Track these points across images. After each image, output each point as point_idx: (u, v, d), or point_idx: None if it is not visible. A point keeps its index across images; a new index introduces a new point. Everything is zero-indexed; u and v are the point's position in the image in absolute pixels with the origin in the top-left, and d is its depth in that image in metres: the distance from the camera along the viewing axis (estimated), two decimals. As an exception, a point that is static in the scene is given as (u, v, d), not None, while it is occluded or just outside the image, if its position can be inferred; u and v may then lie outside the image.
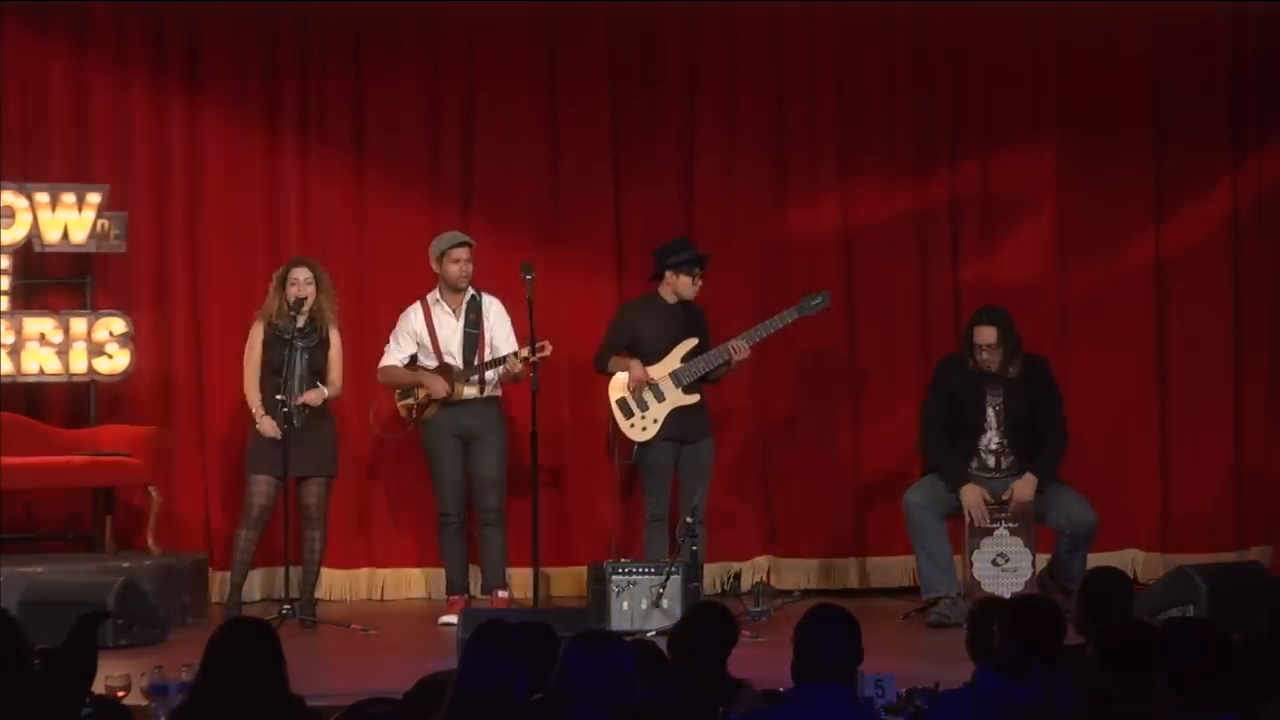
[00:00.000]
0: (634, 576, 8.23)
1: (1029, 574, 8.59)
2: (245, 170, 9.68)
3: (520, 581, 9.01)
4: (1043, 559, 8.76)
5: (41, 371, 9.21)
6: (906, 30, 10.01)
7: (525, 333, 8.65)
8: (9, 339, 9.11)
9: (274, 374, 8.55)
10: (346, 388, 8.86)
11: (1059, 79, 10.09)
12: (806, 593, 9.57)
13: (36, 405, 9.37)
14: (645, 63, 9.92)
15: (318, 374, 8.64)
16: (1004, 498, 8.60)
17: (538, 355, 8.55)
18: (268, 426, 8.55)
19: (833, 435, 9.91)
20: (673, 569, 8.20)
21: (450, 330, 8.87)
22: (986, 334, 8.67)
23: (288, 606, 8.43)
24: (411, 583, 9.73)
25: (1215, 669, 4.30)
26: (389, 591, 9.73)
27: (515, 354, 8.66)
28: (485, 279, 9.02)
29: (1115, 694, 4.51)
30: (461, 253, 8.83)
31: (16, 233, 9.18)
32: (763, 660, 6.03)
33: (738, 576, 9.73)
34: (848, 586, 9.81)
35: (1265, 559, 9.61)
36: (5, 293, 9.18)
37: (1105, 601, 5.51)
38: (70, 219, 9.20)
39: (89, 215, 9.21)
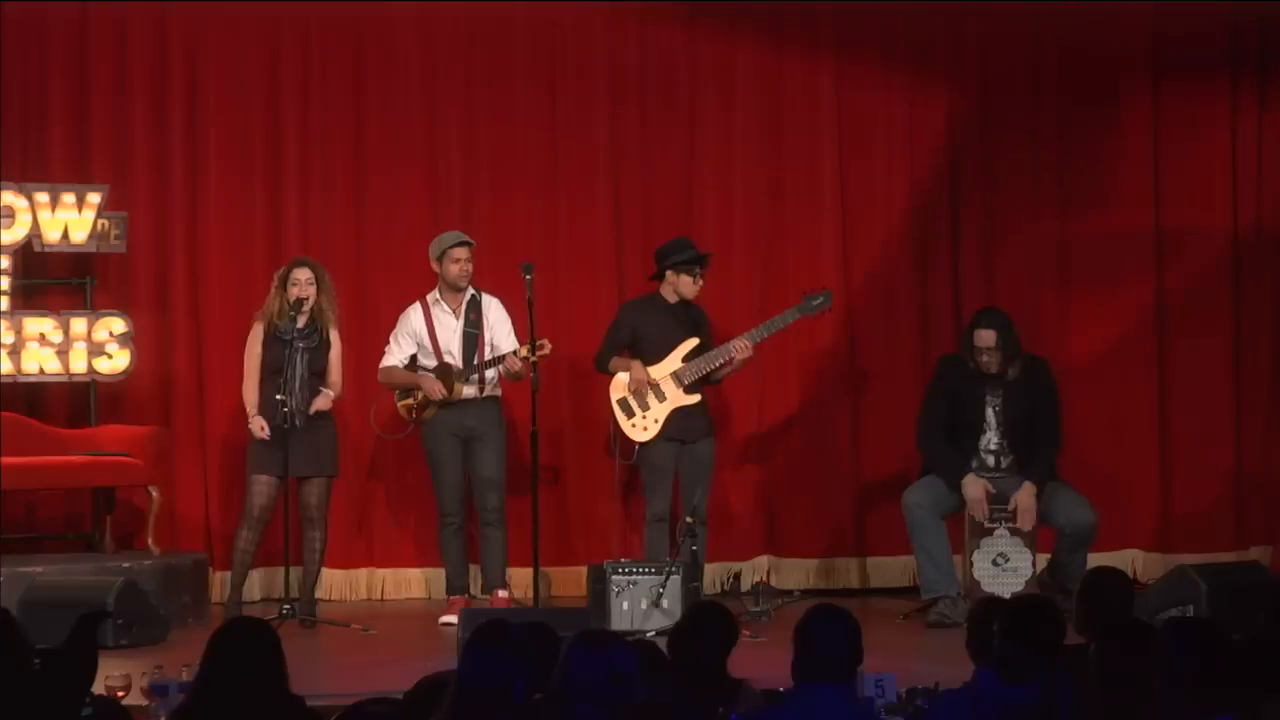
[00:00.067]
0: (634, 576, 8.23)
1: (1029, 574, 8.59)
2: (245, 170, 9.68)
3: (520, 581, 9.01)
4: (1043, 559, 8.77)
5: (41, 371, 9.21)
6: (906, 30, 10.01)
7: (525, 332, 8.65)
8: (9, 339, 9.12)
9: (274, 374, 8.55)
10: (346, 388, 8.86)
11: (1059, 78, 10.09)
12: (806, 593, 9.56)
13: (36, 405, 9.37)
14: (645, 62, 9.92)
15: (318, 375, 8.64)
16: (1008, 509, 8.60)
17: (538, 354, 8.55)
18: (255, 427, 8.56)
19: (833, 435, 9.91)
20: (673, 569, 8.20)
21: (450, 330, 8.87)
22: (986, 337, 8.68)
23: (288, 606, 8.43)
24: (411, 583, 9.73)
25: (1215, 669, 4.30)
26: (389, 591, 9.73)
27: (515, 352, 8.66)
28: (485, 279, 9.02)
29: (1115, 694, 4.51)
30: (461, 252, 8.83)
31: (16, 233, 9.18)
32: (763, 660, 6.02)
33: (738, 576, 9.72)
34: (848, 586, 9.81)
35: (1265, 559, 9.61)
36: (5, 293, 9.18)
37: (1105, 601, 5.51)
38: (70, 219, 9.20)
39: (89, 215, 9.21)
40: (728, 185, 9.92)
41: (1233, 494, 10.07)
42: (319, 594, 8.98)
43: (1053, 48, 10.10)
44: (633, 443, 8.86)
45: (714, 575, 9.57)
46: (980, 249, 10.02)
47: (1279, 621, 5.36)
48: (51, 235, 9.21)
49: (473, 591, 9.11)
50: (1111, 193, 10.08)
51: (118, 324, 9.26)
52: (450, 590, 9.00)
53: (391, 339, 8.96)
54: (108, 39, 9.59)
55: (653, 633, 7.65)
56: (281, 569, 8.62)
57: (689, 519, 8.41)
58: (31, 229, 9.18)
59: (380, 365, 8.98)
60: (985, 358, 8.68)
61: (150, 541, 9.01)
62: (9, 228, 9.16)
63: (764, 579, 9.40)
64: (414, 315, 8.91)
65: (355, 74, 9.76)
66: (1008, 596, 7.99)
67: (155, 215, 9.58)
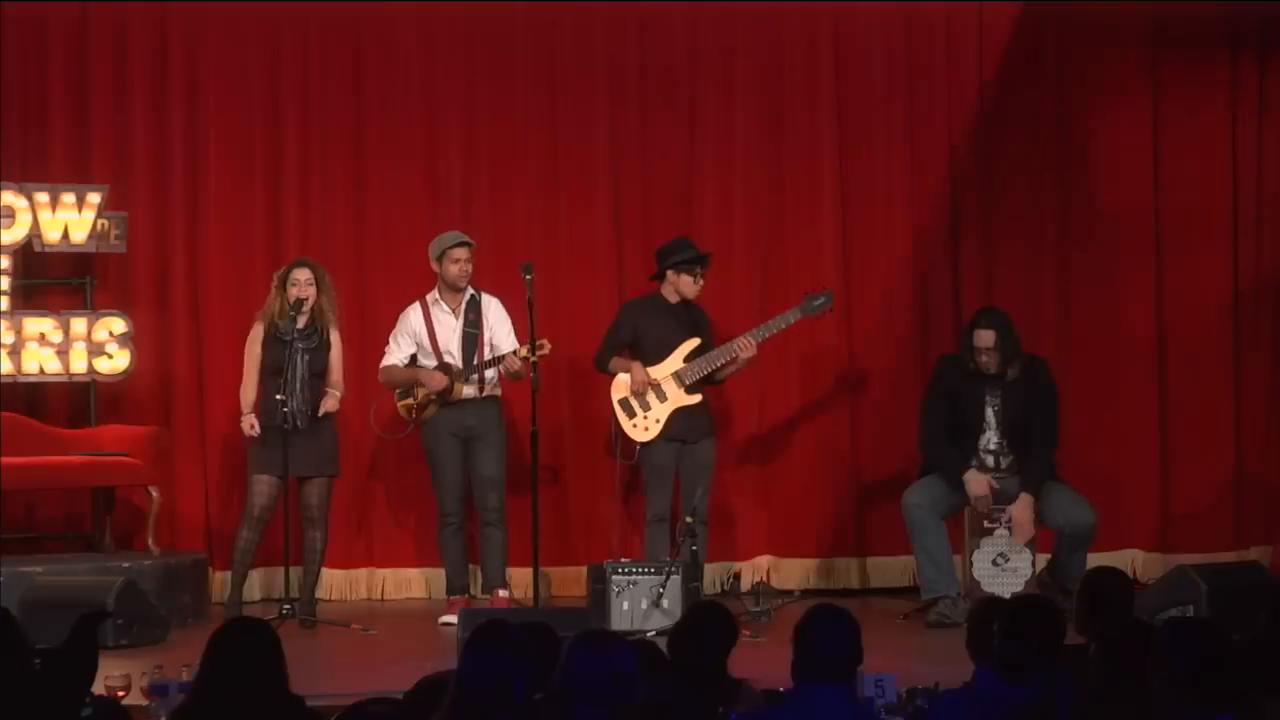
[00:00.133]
0: (634, 576, 8.22)
1: (1029, 574, 8.60)
2: (245, 170, 9.68)
3: (520, 581, 9.01)
4: (1043, 559, 8.77)
5: (41, 371, 9.22)
6: (905, 29, 10.01)
7: (525, 332, 8.65)
8: (9, 339, 9.12)
9: (274, 375, 8.55)
10: (347, 388, 8.86)
11: (1058, 77, 10.09)
12: (806, 593, 9.57)
13: (36, 405, 9.38)
14: (645, 62, 9.92)
15: (318, 375, 8.64)
16: (1004, 521, 8.60)
17: (538, 354, 8.55)
18: (244, 426, 8.58)
19: (833, 435, 9.91)
20: (673, 569, 8.20)
21: (449, 330, 8.86)
22: (986, 337, 8.68)
23: (288, 606, 8.43)
24: (411, 583, 9.73)
25: (1215, 669, 4.30)
26: (389, 591, 9.73)
27: (515, 352, 8.66)
28: (485, 279, 9.02)
29: (1115, 694, 4.51)
30: (461, 252, 8.83)
31: (16, 233, 9.18)
32: (763, 660, 6.03)
33: (738, 576, 9.72)
34: (848, 586, 9.81)
35: (1265, 559, 9.61)
36: (5, 293, 9.19)
37: (1105, 601, 5.51)
38: (70, 219, 9.20)
39: (89, 215, 9.21)
40: (728, 185, 9.92)
41: (1232, 494, 10.07)
42: (319, 594, 8.98)
43: (1053, 47, 10.10)
44: (633, 443, 8.86)
45: (714, 575, 9.57)
46: (980, 249, 10.02)
47: (1279, 621, 5.36)
48: (51, 235, 9.21)
49: (473, 591, 9.11)
50: (1111, 192, 10.08)
51: (118, 324, 9.26)
52: (450, 590, 9.00)
53: (391, 339, 8.96)
54: (108, 39, 9.59)
55: (653, 633, 7.65)
56: (281, 569, 8.62)
57: (689, 519, 8.41)
58: (31, 229, 9.19)
59: (380, 365, 8.98)
60: (985, 358, 8.69)
61: (150, 541, 9.01)
62: (9, 228, 9.16)
63: (764, 579, 9.38)
64: (413, 315, 8.91)
65: (355, 74, 9.76)
66: (1008, 596, 8.00)
67: (155, 215, 9.58)
